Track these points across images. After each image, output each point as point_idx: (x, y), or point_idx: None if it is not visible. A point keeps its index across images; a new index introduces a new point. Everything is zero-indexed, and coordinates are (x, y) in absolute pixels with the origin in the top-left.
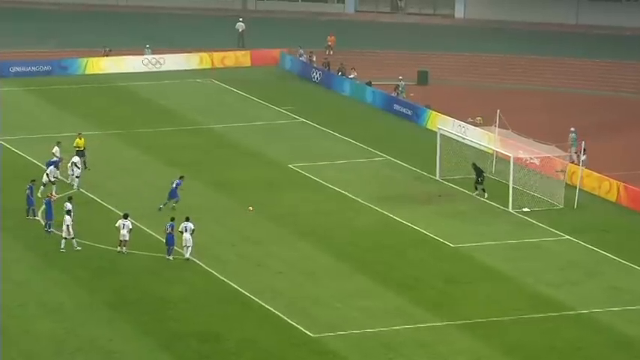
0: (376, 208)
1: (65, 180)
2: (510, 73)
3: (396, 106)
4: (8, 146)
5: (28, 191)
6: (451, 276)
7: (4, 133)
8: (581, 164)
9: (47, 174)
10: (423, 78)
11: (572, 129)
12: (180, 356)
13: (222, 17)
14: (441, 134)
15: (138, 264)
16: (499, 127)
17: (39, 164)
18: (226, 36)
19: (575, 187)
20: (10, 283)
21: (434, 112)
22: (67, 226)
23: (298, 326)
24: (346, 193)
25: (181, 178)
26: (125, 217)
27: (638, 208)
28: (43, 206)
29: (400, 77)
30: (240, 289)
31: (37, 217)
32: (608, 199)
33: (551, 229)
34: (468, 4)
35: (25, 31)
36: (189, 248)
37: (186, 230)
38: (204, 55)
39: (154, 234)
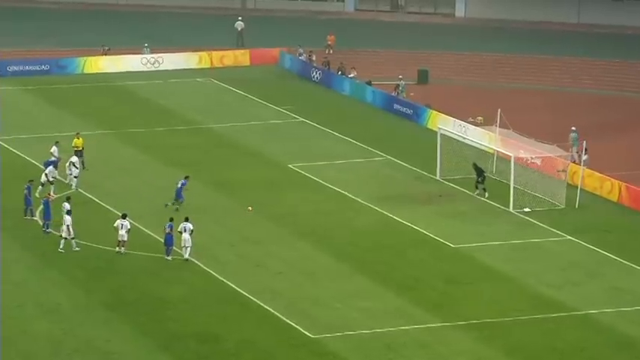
0: (376, 208)
1: (63, 180)
2: (511, 73)
3: (396, 106)
4: (6, 146)
5: (25, 191)
6: (452, 276)
7: (2, 133)
8: (582, 164)
9: (46, 174)
10: (423, 77)
11: (573, 128)
12: (179, 357)
13: (221, 16)
14: (441, 134)
15: (136, 264)
16: (500, 126)
17: (37, 164)
18: (225, 35)
19: (577, 187)
20: (8, 283)
21: (434, 112)
22: (67, 226)
23: (298, 327)
24: (346, 193)
25: (186, 178)
26: (123, 217)
27: None
28: (41, 206)
29: (400, 76)
30: (240, 290)
31: (34, 217)
32: (609, 199)
33: (552, 230)
34: (468, 3)
35: (24, 30)
36: (189, 249)
37: (185, 230)
38: (204, 54)
39: (152, 234)
